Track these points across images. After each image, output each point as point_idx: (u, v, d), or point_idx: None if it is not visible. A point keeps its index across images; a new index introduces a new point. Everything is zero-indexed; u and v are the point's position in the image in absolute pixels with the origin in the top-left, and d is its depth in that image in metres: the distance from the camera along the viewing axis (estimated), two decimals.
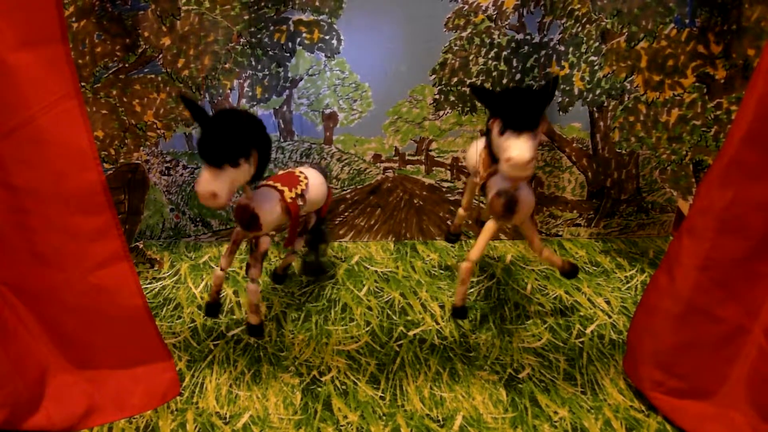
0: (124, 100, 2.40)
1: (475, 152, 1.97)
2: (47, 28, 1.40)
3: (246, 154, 1.60)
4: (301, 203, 1.92)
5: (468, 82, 1.67)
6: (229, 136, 1.54)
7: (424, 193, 2.73)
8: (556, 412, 1.80)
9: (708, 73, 2.30)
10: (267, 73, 2.42)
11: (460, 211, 2.26)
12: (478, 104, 2.49)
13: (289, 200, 1.87)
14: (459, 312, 2.00)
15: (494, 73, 2.41)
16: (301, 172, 2.01)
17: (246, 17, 2.30)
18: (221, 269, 1.94)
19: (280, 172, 2.03)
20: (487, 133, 1.74)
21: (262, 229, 1.82)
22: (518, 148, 1.51)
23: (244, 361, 2.01)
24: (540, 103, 1.57)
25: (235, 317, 2.25)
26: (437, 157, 2.65)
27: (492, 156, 1.75)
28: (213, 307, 2.01)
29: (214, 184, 1.53)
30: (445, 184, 2.71)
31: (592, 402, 1.83)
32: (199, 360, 2.03)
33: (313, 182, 2.01)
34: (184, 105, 1.60)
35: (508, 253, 2.69)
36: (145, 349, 1.88)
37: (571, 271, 2.07)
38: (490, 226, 1.85)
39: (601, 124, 2.54)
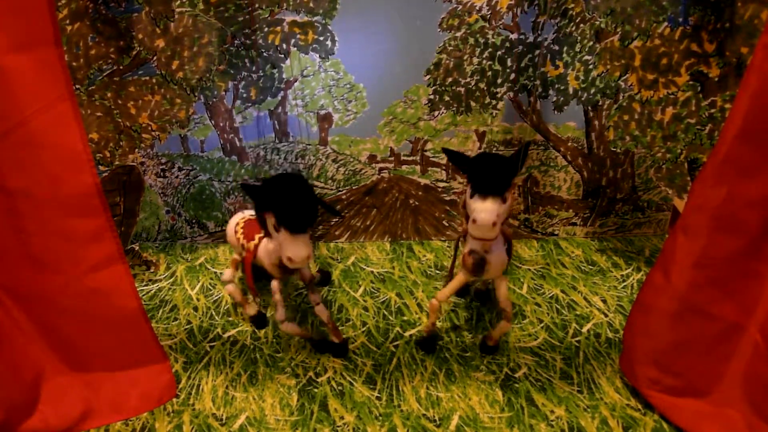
0: (119, 102, 2.40)
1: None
2: (40, 31, 1.40)
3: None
4: None
5: (442, 147, 1.77)
6: (312, 205, 1.66)
7: (420, 193, 2.73)
8: (552, 411, 1.80)
9: (702, 71, 2.31)
10: (261, 74, 2.42)
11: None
12: (473, 104, 2.49)
13: None
14: (424, 344, 2.08)
15: (488, 73, 2.41)
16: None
17: (240, 19, 2.29)
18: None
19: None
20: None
21: None
22: (484, 212, 1.59)
23: (240, 363, 2.01)
24: (508, 171, 1.64)
25: (231, 319, 2.24)
26: (432, 157, 2.65)
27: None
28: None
29: (310, 248, 1.65)
30: (441, 184, 2.71)
31: (589, 401, 1.84)
32: (195, 362, 2.03)
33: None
34: (246, 193, 1.74)
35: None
36: (141, 351, 1.88)
37: (492, 347, 2.12)
38: (460, 277, 1.93)
39: (596, 123, 2.54)
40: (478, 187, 1.62)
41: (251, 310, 2.22)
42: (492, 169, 1.63)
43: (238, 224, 2.13)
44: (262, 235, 1.93)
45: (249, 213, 2.16)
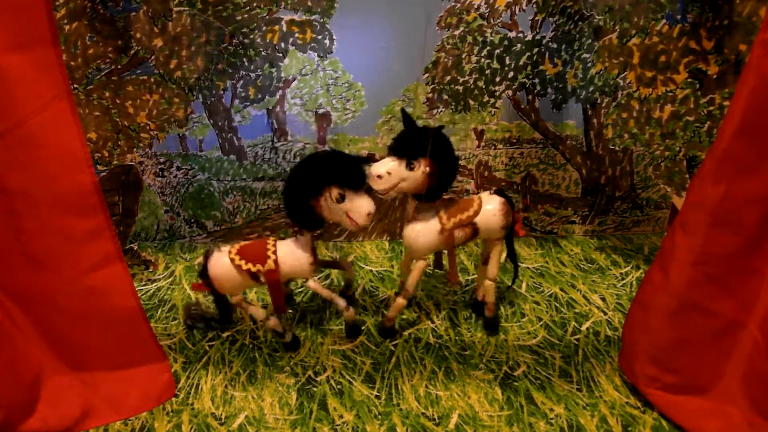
0: (117, 101, 2.40)
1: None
2: (38, 31, 1.40)
3: None
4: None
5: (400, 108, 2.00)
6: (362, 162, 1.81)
7: None
8: (551, 410, 1.80)
9: (700, 68, 2.30)
10: (260, 73, 2.42)
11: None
12: (472, 102, 2.49)
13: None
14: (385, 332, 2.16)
15: (487, 72, 2.41)
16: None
17: (238, 18, 2.29)
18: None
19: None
20: None
21: None
22: (378, 162, 1.76)
23: (239, 362, 2.01)
24: (414, 139, 1.74)
25: None
26: None
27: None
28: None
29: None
30: None
31: (588, 399, 1.84)
32: (194, 361, 2.03)
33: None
34: (302, 180, 1.75)
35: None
36: (140, 350, 1.87)
37: (387, 329, 2.16)
38: None
39: (595, 121, 2.54)
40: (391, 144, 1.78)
41: (288, 336, 2.06)
42: (404, 133, 1.80)
43: (232, 259, 1.85)
44: (272, 249, 1.85)
45: (225, 248, 1.89)
